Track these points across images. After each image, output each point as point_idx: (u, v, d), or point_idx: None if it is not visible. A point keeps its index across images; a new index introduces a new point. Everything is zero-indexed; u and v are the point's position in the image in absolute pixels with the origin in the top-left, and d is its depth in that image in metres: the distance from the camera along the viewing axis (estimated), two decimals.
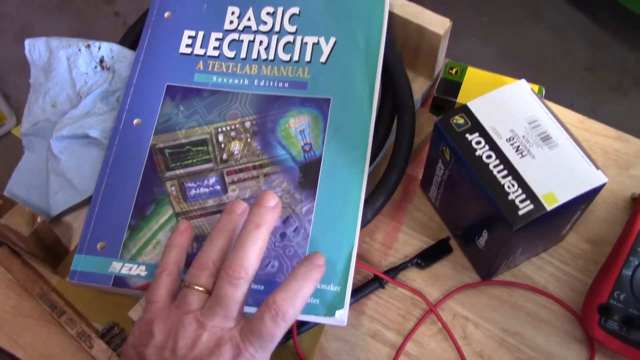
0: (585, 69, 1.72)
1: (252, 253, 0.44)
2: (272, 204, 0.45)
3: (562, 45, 1.77)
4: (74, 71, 0.61)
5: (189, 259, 0.48)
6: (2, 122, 1.61)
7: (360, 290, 0.56)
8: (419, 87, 0.64)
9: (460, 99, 0.61)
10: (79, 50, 0.61)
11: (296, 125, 0.55)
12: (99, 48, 0.61)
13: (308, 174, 0.53)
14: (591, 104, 1.63)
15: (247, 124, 0.55)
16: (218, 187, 0.53)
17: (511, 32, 1.80)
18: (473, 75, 0.62)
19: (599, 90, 1.68)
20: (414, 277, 0.57)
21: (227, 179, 0.53)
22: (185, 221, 0.49)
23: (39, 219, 0.52)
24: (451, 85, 0.62)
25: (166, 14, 0.61)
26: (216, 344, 0.42)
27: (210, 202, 0.53)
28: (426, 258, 0.57)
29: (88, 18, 1.87)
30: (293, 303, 0.43)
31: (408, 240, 0.59)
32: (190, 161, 0.54)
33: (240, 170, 0.54)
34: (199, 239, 0.52)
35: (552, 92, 0.64)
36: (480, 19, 1.83)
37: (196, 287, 0.44)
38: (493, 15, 1.84)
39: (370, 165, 0.54)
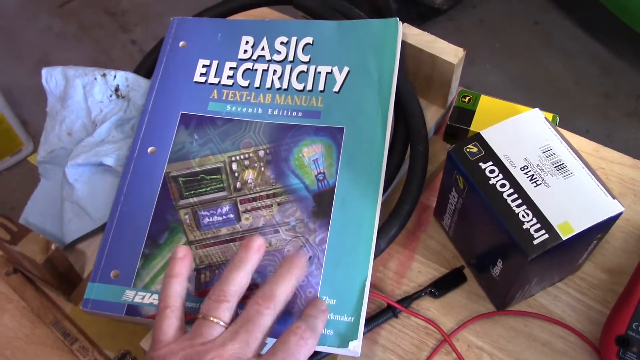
0: (600, 95, 1.72)
1: (285, 289, 0.44)
2: (304, 255, 0.48)
3: (576, 72, 1.77)
4: (90, 99, 0.61)
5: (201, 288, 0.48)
6: (19, 148, 1.63)
7: (374, 320, 0.55)
8: (432, 115, 0.64)
9: (473, 127, 0.60)
10: (95, 79, 0.62)
11: (310, 155, 0.55)
12: (115, 77, 0.62)
13: (321, 203, 0.53)
14: (606, 131, 1.63)
15: (261, 153, 0.55)
16: (232, 216, 0.53)
17: (524, 59, 1.81)
18: (486, 103, 0.62)
19: (613, 117, 1.67)
20: (428, 306, 0.56)
21: (241, 208, 0.54)
22: (183, 247, 0.47)
23: (52, 247, 0.52)
24: (464, 114, 0.62)
25: (181, 43, 0.62)
26: None
27: (224, 231, 0.53)
28: (440, 287, 0.57)
29: (105, 46, 1.91)
30: (316, 325, 0.44)
31: (422, 269, 0.58)
32: (203, 189, 0.55)
33: (254, 199, 0.54)
34: (212, 268, 0.52)
35: (567, 120, 0.64)
36: (492, 45, 1.83)
37: (212, 319, 0.43)
38: (505, 42, 1.84)
39: (383, 194, 0.54)
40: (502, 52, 1.83)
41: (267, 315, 0.43)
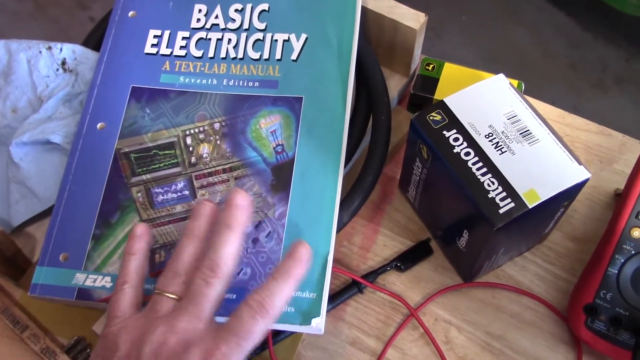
0: (566, 67, 1.72)
1: (226, 253, 0.42)
2: (245, 203, 0.43)
3: (543, 44, 1.76)
4: (35, 74, 0.58)
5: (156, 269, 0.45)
6: None
7: (338, 296, 0.54)
8: (395, 84, 0.62)
9: (437, 96, 0.59)
10: (40, 52, 0.58)
11: (267, 126, 0.52)
12: (61, 50, 0.58)
13: (280, 176, 0.50)
14: (573, 102, 1.63)
15: (217, 126, 0.53)
16: (186, 192, 0.51)
17: (491, 31, 1.79)
18: (450, 71, 0.60)
19: (580, 88, 1.67)
20: (394, 280, 0.55)
21: (196, 184, 0.51)
22: (141, 224, 0.45)
23: None
24: (428, 82, 0.60)
25: (130, 13, 0.59)
26: (185, 347, 0.39)
27: (179, 208, 0.50)
28: (406, 261, 0.55)
29: (63, 25, 1.84)
30: (273, 301, 0.41)
31: (387, 243, 0.57)
32: (157, 166, 0.52)
33: (210, 174, 0.51)
34: (167, 247, 0.50)
35: (533, 91, 0.63)
36: (459, 19, 1.82)
37: (167, 295, 0.42)
38: (472, 14, 1.83)
39: (345, 166, 0.52)
40: (469, 25, 1.81)
41: (215, 285, 0.41)
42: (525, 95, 0.50)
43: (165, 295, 0.42)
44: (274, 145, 0.51)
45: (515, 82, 0.57)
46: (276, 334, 0.51)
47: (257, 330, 0.40)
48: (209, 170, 0.51)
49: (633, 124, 1.61)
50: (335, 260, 0.49)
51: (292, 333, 0.52)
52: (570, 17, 1.80)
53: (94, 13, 1.86)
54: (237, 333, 0.39)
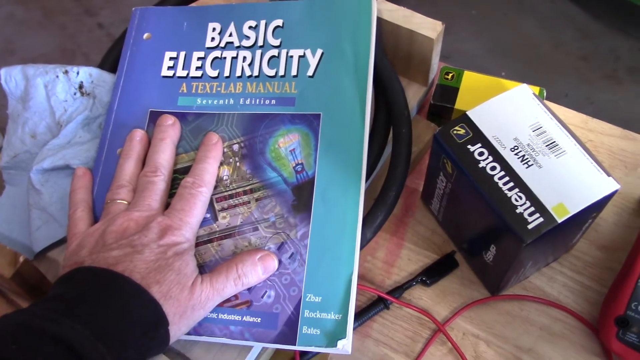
0: (579, 58, 1.70)
1: (164, 157, 0.51)
2: (170, 121, 0.53)
3: (554, 36, 1.75)
4: (53, 99, 0.58)
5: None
6: None
7: (364, 313, 0.53)
8: (414, 94, 0.61)
9: (458, 105, 0.58)
10: (57, 76, 0.58)
11: (286, 145, 0.52)
12: (78, 73, 0.58)
13: (301, 196, 0.50)
14: (586, 94, 1.61)
15: (235, 147, 0.52)
16: (208, 215, 0.50)
17: (501, 25, 1.78)
18: (470, 79, 0.59)
19: (593, 79, 1.66)
20: (420, 295, 0.54)
21: (217, 206, 0.51)
22: (81, 167, 0.53)
23: (21, 259, 0.49)
24: (448, 91, 0.59)
25: (145, 35, 0.58)
26: (144, 225, 0.46)
27: (201, 232, 0.50)
28: (431, 274, 0.55)
29: (71, 32, 1.85)
30: (203, 178, 0.50)
31: (412, 257, 0.56)
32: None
33: (230, 197, 0.51)
34: None
35: (546, 84, 0.62)
36: (469, 13, 1.80)
37: (117, 201, 0.49)
38: (481, 8, 1.81)
39: (366, 181, 0.52)
40: (478, 19, 1.80)
41: (158, 182, 0.50)
42: (547, 102, 0.49)
43: (115, 201, 0.49)
44: (294, 165, 0.51)
45: (536, 89, 0.56)
46: (303, 354, 0.51)
47: (198, 202, 0.49)
48: (229, 192, 0.51)
49: None
50: (359, 276, 0.48)
51: (317, 353, 0.51)
52: (581, 8, 1.78)
53: (102, 19, 1.86)
54: (183, 208, 0.48)
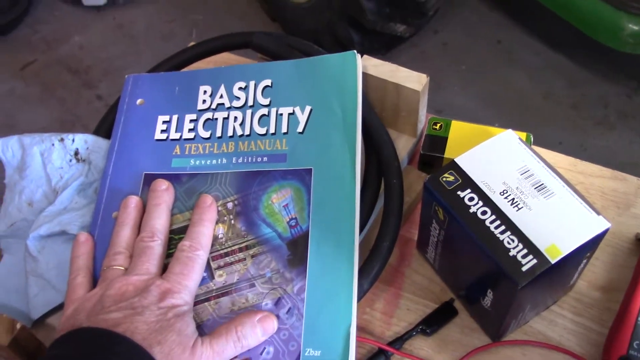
0: (569, 107, 1.73)
1: (159, 219, 0.52)
2: (164, 186, 0.54)
3: (543, 86, 1.78)
4: (49, 167, 0.59)
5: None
6: None
7: None
8: (404, 145, 0.63)
9: (447, 154, 0.59)
10: (52, 144, 0.59)
11: (279, 201, 0.52)
12: (73, 140, 0.59)
13: (296, 251, 0.50)
14: (579, 141, 1.63)
15: (229, 205, 0.53)
16: (204, 274, 0.50)
17: (491, 78, 1.82)
18: (458, 128, 0.60)
19: (585, 126, 1.68)
20: (421, 345, 0.54)
21: (213, 264, 0.51)
22: (83, 233, 0.53)
23: (18, 326, 0.49)
24: (437, 141, 0.60)
25: (138, 101, 0.60)
26: (144, 287, 0.46)
27: (197, 291, 0.50)
28: (431, 323, 0.54)
29: (70, 105, 1.88)
30: (200, 241, 0.50)
31: (410, 306, 0.56)
32: (173, 250, 0.52)
33: (226, 254, 0.51)
34: None
35: (539, 134, 0.63)
36: (458, 68, 1.84)
37: (114, 267, 0.49)
38: (471, 63, 1.85)
39: (361, 232, 0.52)
40: (468, 73, 1.84)
41: (154, 247, 0.50)
42: (534, 147, 0.50)
43: (112, 267, 0.49)
44: (288, 220, 0.51)
45: (523, 135, 0.57)
46: None
47: (195, 266, 0.49)
48: (225, 250, 0.51)
49: None
50: (358, 328, 0.48)
51: None
52: (567, 57, 1.82)
53: (101, 91, 1.90)
54: (182, 272, 0.48)
